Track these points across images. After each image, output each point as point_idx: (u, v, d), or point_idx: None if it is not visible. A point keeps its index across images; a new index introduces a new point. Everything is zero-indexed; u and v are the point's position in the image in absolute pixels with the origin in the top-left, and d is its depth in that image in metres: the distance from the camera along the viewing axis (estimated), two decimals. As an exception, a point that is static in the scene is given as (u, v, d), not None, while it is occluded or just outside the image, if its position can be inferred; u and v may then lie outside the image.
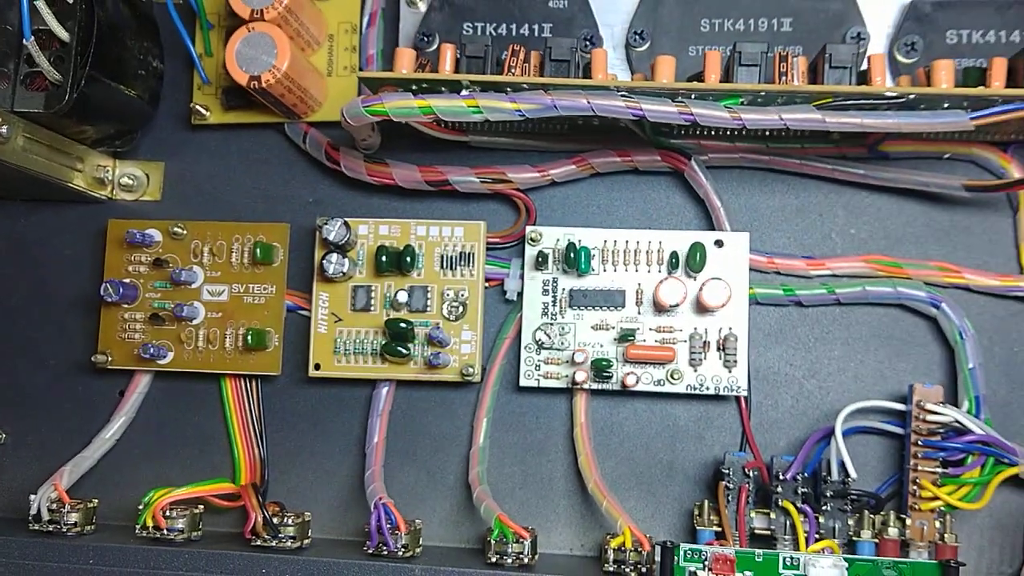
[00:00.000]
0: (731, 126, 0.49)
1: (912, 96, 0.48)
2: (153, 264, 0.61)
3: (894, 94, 0.47)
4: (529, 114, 0.50)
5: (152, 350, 0.59)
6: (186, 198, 0.64)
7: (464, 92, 0.51)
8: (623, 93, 0.49)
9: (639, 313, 0.57)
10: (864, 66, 0.52)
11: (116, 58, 0.58)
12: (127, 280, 0.61)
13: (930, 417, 0.54)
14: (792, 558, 0.48)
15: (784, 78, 0.49)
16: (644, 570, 0.52)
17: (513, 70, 0.52)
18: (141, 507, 0.55)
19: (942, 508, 0.53)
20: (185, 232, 0.61)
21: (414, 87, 0.52)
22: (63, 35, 0.53)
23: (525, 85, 0.50)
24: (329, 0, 0.62)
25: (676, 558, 0.48)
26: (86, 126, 0.59)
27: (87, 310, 0.62)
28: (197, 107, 0.62)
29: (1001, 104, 0.48)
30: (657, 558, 0.49)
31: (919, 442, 0.54)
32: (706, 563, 0.47)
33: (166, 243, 0.61)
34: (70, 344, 0.63)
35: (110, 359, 0.60)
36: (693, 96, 0.50)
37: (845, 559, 0.47)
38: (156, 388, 0.62)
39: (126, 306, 0.61)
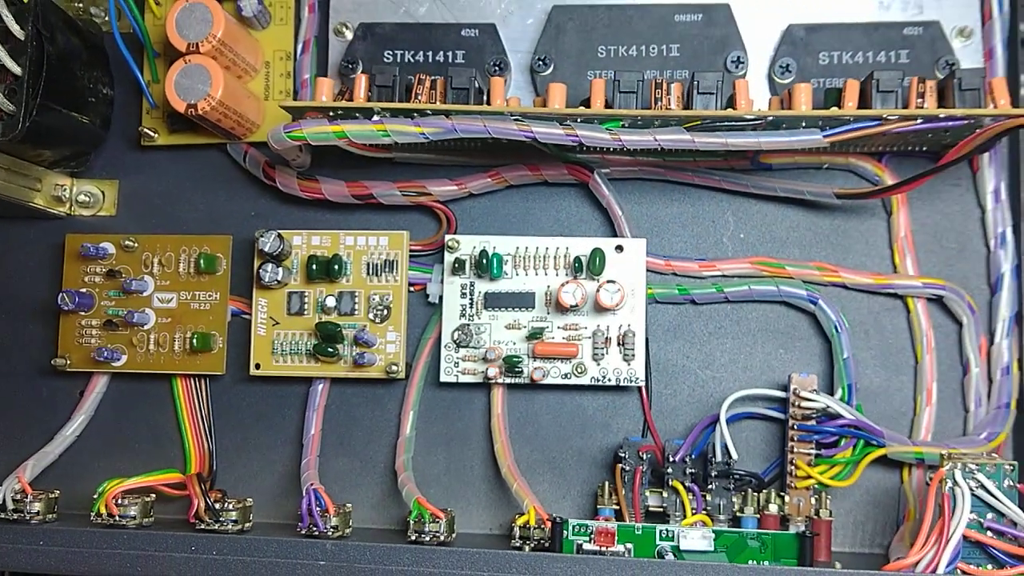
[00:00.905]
0: (612, 146, 0.55)
1: (770, 118, 0.53)
2: (107, 275, 0.67)
3: (751, 117, 0.53)
4: (432, 137, 0.55)
5: (106, 353, 0.65)
6: (139, 213, 0.70)
7: (375, 118, 0.56)
8: (516, 117, 0.55)
9: (548, 313, 0.63)
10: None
11: (67, 88, 0.63)
12: (83, 290, 0.66)
13: (804, 403, 0.59)
14: (667, 530, 0.53)
15: (659, 103, 0.55)
16: (547, 544, 0.57)
17: (419, 97, 0.57)
18: (96, 496, 0.61)
19: (816, 486, 0.59)
20: (136, 245, 0.67)
21: (332, 113, 0.57)
22: (16, 70, 0.59)
23: (428, 111, 0.56)
24: (265, 30, 0.68)
25: (565, 532, 0.53)
26: (42, 150, 0.65)
27: (48, 318, 0.68)
28: (145, 130, 0.67)
29: (852, 123, 0.53)
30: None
31: (795, 426, 0.60)
32: (591, 536, 0.53)
33: (119, 255, 0.67)
34: (32, 349, 0.68)
35: (69, 362, 0.66)
36: (579, 120, 0.55)
37: (713, 531, 0.53)
38: (112, 388, 0.68)
39: (83, 313, 0.66)
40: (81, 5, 0.69)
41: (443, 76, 0.58)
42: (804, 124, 0.54)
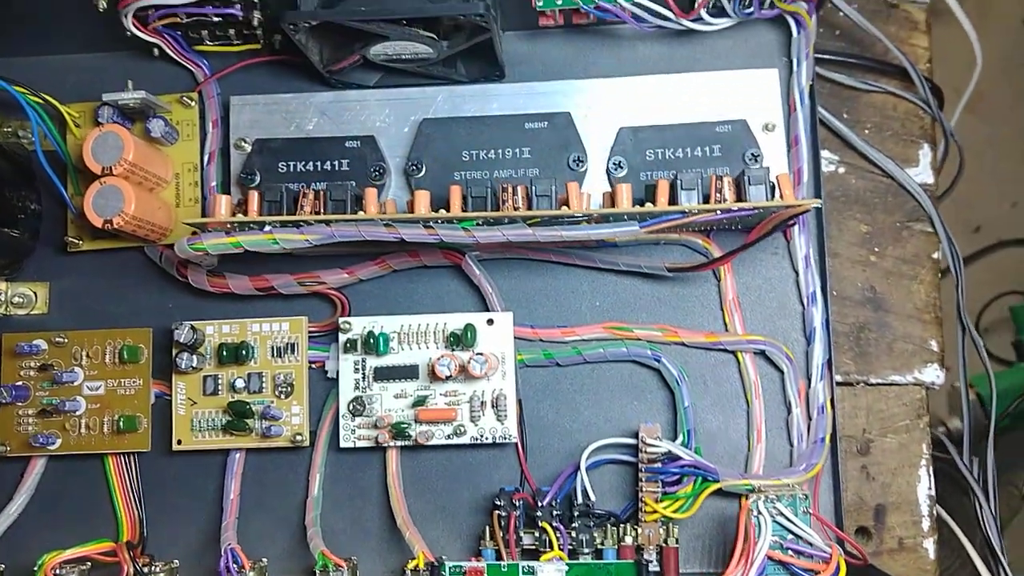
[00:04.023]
0: (468, 241, 0.65)
1: (595, 215, 0.64)
2: (40, 368, 0.75)
3: (580, 214, 0.63)
4: (316, 243, 0.65)
5: (41, 439, 0.73)
6: (69, 311, 0.78)
7: (267, 228, 0.66)
8: (386, 222, 0.65)
9: (431, 382, 0.73)
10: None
11: (-1, 208, 0.72)
12: (19, 383, 0.74)
13: (649, 449, 0.69)
14: (528, 566, 0.63)
15: (506, 204, 0.65)
16: (432, 586, 0.67)
17: (304, 208, 0.67)
18: (36, 569, 0.69)
19: (662, 519, 0.69)
20: (66, 341, 0.75)
21: (228, 226, 0.67)
22: (-50, 198, 0.68)
23: (311, 221, 0.65)
24: (174, 145, 0.77)
25: (443, 572, 0.63)
26: (-24, 262, 0.73)
27: (-12, 410, 0.76)
28: (70, 239, 0.76)
29: (663, 216, 0.64)
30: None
31: (643, 468, 0.70)
32: (464, 575, 0.62)
33: (51, 350, 0.75)
34: (-25, 439, 0.76)
35: (8, 449, 0.74)
36: (440, 221, 0.66)
37: (568, 564, 0.63)
38: (50, 469, 0.76)
39: (20, 404, 0.74)
40: (10, 129, 0.78)
41: (326, 186, 0.68)
42: (626, 217, 0.65)
